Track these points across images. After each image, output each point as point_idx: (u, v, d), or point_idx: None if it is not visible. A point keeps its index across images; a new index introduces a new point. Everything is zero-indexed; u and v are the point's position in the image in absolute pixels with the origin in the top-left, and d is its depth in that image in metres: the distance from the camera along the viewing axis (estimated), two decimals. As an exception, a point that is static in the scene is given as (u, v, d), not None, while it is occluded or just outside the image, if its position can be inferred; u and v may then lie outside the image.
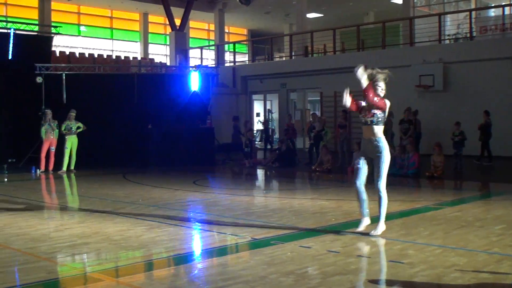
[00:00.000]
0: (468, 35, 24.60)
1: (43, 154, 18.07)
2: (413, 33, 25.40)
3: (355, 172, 8.04)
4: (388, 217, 9.52)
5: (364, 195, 7.93)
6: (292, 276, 5.96)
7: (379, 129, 7.81)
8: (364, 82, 7.92)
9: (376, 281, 5.64)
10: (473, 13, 25.09)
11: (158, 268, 6.69)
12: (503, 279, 5.76)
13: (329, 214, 9.65)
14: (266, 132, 25.61)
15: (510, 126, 21.14)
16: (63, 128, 18.06)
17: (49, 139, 18.05)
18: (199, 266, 6.66)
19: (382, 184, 7.76)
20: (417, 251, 6.91)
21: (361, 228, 7.91)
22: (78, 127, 18.19)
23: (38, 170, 18.06)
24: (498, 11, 24.42)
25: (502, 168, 18.72)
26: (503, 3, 24.69)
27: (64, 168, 18.08)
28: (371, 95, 7.79)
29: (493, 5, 26.54)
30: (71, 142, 18.17)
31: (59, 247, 7.45)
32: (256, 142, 27.66)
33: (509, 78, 21.55)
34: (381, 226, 7.79)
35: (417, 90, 23.36)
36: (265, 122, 26.62)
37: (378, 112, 7.87)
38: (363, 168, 7.91)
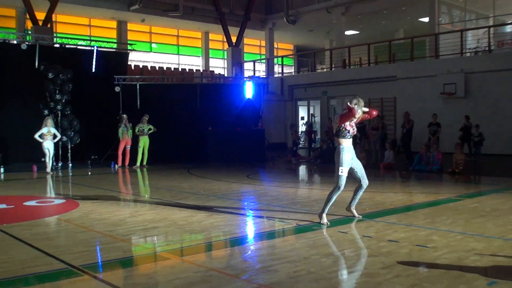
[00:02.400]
0: (487, 48, 24.14)
1: (120, 152, 18.38)
2: (438, 47, 25.04)
3: (344, 181, 7.77)
4: (415, 207, 9.47)
5: None
6: (332, 257, 5.95)
7: None
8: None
9: (404, 263, 5.59)
10: (491, 29, 24.64)
11: (216, 248, 6.74)
12: (517, 263, 5.65)
13: (363, 204, 9.58)
14: (309, 134, 25.57)
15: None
16: (136, 130, 18.33)
17: (125, 139, 18.36)
18: (251, 248, 6.69)
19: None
20: (441, 237, 6.82)
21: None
22: (150, 129, 18.43)
23: (116, 165, 18.38)
24: (514, 27, 23.97)
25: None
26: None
27: (138, 163, 18.36)
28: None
29: (509, 22, 25.94)
30: (144, 142, 18.43)
31: (134, 230, 7.58)
32: (301, 142, 27.60)
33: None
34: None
35: (442, 97, 23.07)
36: (309, 126, 26.53)
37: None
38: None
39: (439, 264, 5.57)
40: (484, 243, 6.47)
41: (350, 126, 7.79)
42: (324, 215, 7.80)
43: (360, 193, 8.23)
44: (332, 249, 6.37)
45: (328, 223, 7.67)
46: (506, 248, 6.23)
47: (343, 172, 7.77)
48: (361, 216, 8.22)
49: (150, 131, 18.44)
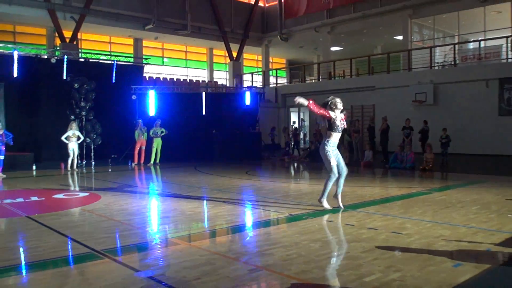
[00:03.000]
0: (453, 62, 24.20)
1: (136, 151, 18.36)
2: (411, 61, 25.11)
3: (335, 168, 8.01)
4: (391, 199, 9.48)
5: None
6: (319, 242, 5.96)
7: None
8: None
9: (382, 247, 5.60)
10: (456, 46, 24.71)
11: (219, 235, 6.74)
12: (478, 247, 5.68)
13: (346, 196, 9.59)
14: (295, 136, 25.45)
15: (483, 130, 20.99)
16: (151, 133, 18.34)
17: (140, 140, 18.34)
18: (249, 234, 6.70)
19: None
20: (413, 225, 6.83)
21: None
22: (162, 132, 18.44)
23: (132, 163, 18.36)
24: (476, 44, 23.97)
25: (477, 163, 18.34)
26: (479, 38, 24.18)
27: (152, 161, 18.34)
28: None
29: (472, 40, 26.00)
30: (157, 143, 18.44)
31: (148, 219, 7.58)
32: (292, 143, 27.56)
33: (483, 95, 21.31)
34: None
35: (414, 104, 23.14)
36: (295, 130, 26.42)
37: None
38: None
39: (411, 248, 5.59)
40: (450, 230, 6.49)
41: (341, 120, 7.94)
42: (324, 200, 8.09)
43: (342, 180, 8.26)
44: (319, 235, 6.38)
45: (329, 207, 7.96)
46: (469, 235, 6.25)
47: (333, 162, 7.97)
48: (343, 207, 8.23)
49: (162, 134, 18.45)
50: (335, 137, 8.03)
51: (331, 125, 7.96)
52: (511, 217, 7.38)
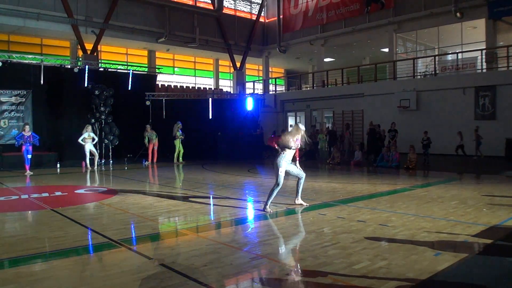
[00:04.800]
0: (433, 72, 24.17)
1: (149, 151, 18.37)
2: (396, 71, 25.09)
3: (282, 179, 7.58)
4: (378, 195, 9.44)
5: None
6: (314, 233, 5.94)
7: None
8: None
9: (370, 238, 5.59)
10: (437, 57, 24.68)
11: (224, 226, 6.73)
12: (456, 238, 5.67)
13: (338, 192, 9.57)
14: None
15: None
16: (179, 134, 18.57)
17: (153, 142, 18.39)
18: (251, 226, 6.68)
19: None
20: (398, 218, 6.81)
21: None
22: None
23: (146, 161, 18.34)
24: (454, 56, 23.93)
25: (455, 162, 18.28)
26: (457, 51, 24.13)
27: (179, 160, 18.64)
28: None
29: (450, 52, 25.96)
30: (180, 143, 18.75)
31: (160, 212, 7.57)
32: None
33: (460, 101, 21.23)
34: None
35: (398, 109, 23.09)
36: (282, 131, 26.35)
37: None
38: None
39: (396, 239, 5.57)
40: (431, 223, 6.47)
41: (294, 142, 7.57)
42: (267, 206, 7.55)
43: (301, 185, 8.05)
44: (314, 227, 6.36)
45: (271, 211, 7.43)
46: (448, 227, 6.23)
47: (281, 172, 7.57)
48: (308, 204, 8.03)
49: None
50: (290, 154, 7.65)
51: (287, 144, 7.61)
52: (486, 211, 7.37)
